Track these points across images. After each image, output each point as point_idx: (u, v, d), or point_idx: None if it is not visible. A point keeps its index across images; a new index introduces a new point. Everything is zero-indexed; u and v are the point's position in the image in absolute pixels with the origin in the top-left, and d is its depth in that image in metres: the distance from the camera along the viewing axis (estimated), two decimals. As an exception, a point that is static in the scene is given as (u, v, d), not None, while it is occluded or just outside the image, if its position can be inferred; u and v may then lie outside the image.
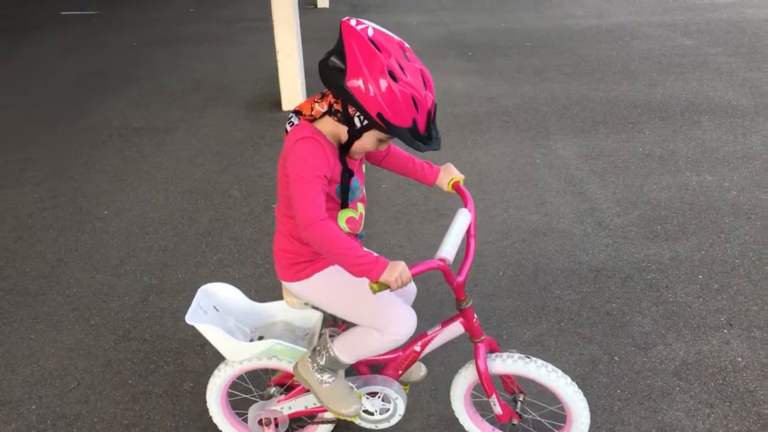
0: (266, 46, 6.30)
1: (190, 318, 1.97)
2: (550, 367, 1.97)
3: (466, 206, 1.95)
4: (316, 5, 12.54)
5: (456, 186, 2.03)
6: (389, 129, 1.64)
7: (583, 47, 8.39)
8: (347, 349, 1.97)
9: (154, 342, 2.94)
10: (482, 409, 2.27)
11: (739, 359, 2.71)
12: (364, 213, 1.95)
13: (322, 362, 1.98)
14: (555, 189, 4.32)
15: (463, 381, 2.12)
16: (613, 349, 2.79)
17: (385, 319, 1.89)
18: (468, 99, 6.39)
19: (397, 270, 1.61)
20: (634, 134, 5.25)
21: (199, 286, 2.11)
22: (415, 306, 2.10)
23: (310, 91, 6.69)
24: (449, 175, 2.04)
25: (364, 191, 1.95)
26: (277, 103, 6.29)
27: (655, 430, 2.35)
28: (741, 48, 7.96)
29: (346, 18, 1.63)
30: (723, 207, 3.98)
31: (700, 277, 3.29)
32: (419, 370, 2.42)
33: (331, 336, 2.00)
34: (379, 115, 1.61)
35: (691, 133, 5.22)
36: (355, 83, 1.60)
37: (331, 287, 1.93)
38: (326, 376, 1.99)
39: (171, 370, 2.76)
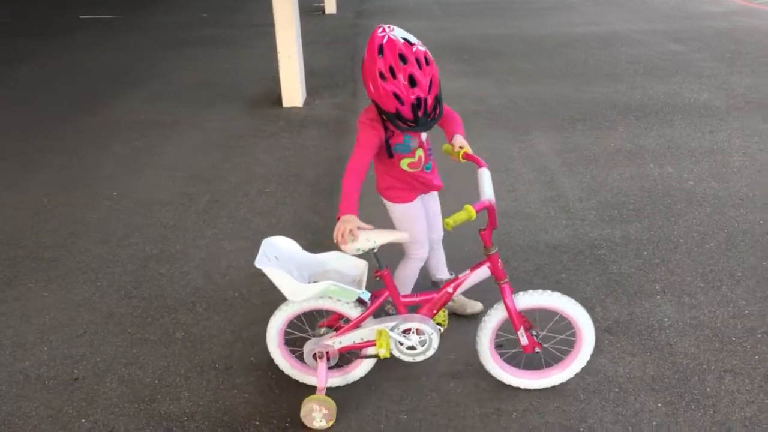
0: (272, 50, 6.71)
1: (259, 263, 2.33)
2: (566, 297, 2.41)
3: (481, 167, 2.45)
4: (323, 12, 12.99)
5: (466, 155, 2.54)
6: (379, 110, 2.31)
7: (575, 52, 8.73)
8: (397, 284, 2.60)
9: (152, 300, 3.33)
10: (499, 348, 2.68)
11: (666, 319, 3.05)
12: (423, 156, 2.61)
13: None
14: (527, 178, 4.67)
15: (490, 322, 2.49)
16: (555, 310, 3.13)
17: (412, 239, 2.66)
18: (459, 99, 6.74)
19: (344, 224, 2.21)
20: (608, 131, 5.59)
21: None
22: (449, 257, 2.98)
23: (310, 89, 7.11)
24: (459, 143, 2.60)
25: (425, 140, 2.62)
26: (278, 101, 6.70)
27: (580, 372, 2.70)
28: (726, 54, 8.27)
29: (378, 25, 2.30)
30: (678, 195, 4.32)
31: (645, 253, 3.63)
32: (474, 306, 3.09)
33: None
34: (373, 100, 2.32)
35: (662, 130, 5.56)
36: (363, 76, 2.30)
37: (399, 214, 2.74)
38: None
39: (165, 322, 3.15)
